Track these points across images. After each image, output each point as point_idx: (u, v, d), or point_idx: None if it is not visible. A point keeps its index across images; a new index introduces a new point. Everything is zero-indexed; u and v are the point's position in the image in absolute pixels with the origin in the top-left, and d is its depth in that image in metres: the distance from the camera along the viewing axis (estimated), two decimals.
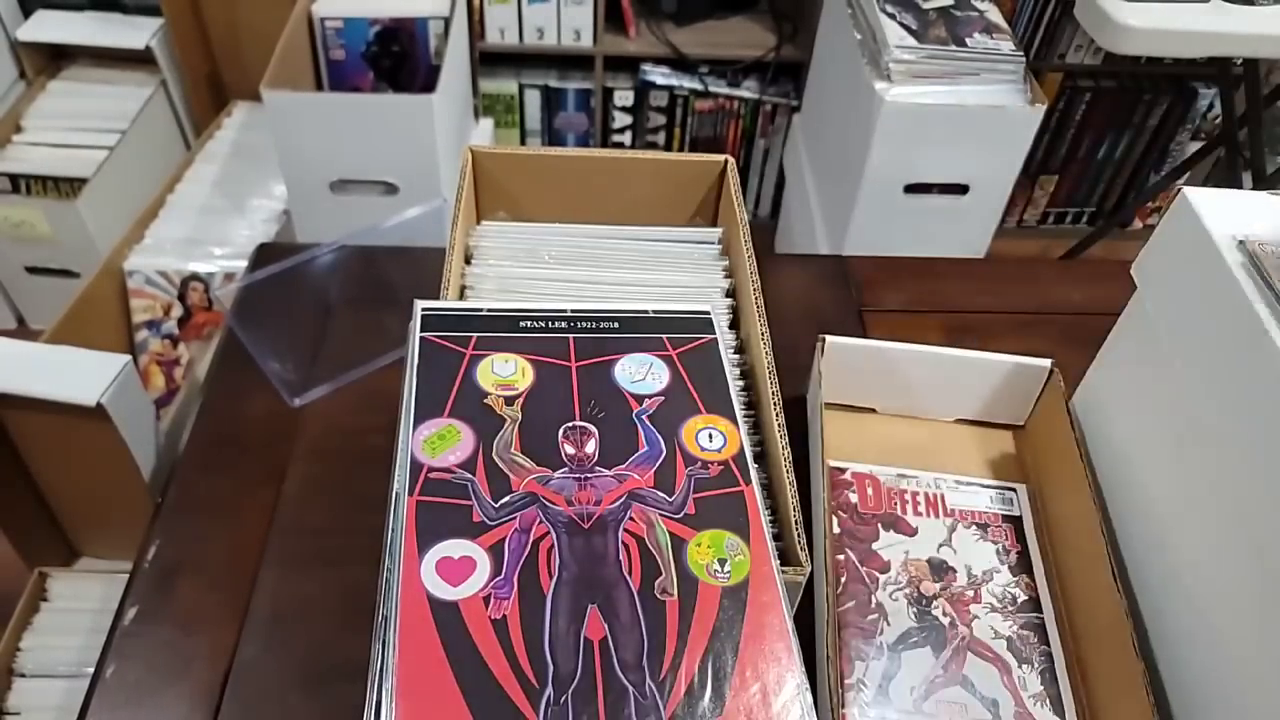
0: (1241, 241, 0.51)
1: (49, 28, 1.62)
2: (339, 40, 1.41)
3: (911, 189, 1.31)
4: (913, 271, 0.89)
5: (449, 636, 0.40)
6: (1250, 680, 0.49)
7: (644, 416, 0.50)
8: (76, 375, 0.91)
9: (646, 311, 0.55)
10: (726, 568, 0.44)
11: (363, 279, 0.85)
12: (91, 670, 0.60)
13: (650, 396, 0.51)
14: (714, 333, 0.55)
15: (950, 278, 0.89)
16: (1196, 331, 0.53)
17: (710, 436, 0.49)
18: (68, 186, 1.49)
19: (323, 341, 0.80)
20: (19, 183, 1.49)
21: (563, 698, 0.38)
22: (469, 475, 0.46)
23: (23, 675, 0.98)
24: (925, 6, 1.28)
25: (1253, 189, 1.36)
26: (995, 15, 1.28)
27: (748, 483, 0.47)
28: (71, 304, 1.29)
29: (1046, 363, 0.68)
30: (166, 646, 0.61)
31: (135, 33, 1.60)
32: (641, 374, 0.52)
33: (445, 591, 0.41)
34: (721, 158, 0.70)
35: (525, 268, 0.66)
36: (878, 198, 1.31)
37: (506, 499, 0.45)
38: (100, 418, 0.90)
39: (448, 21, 1.39)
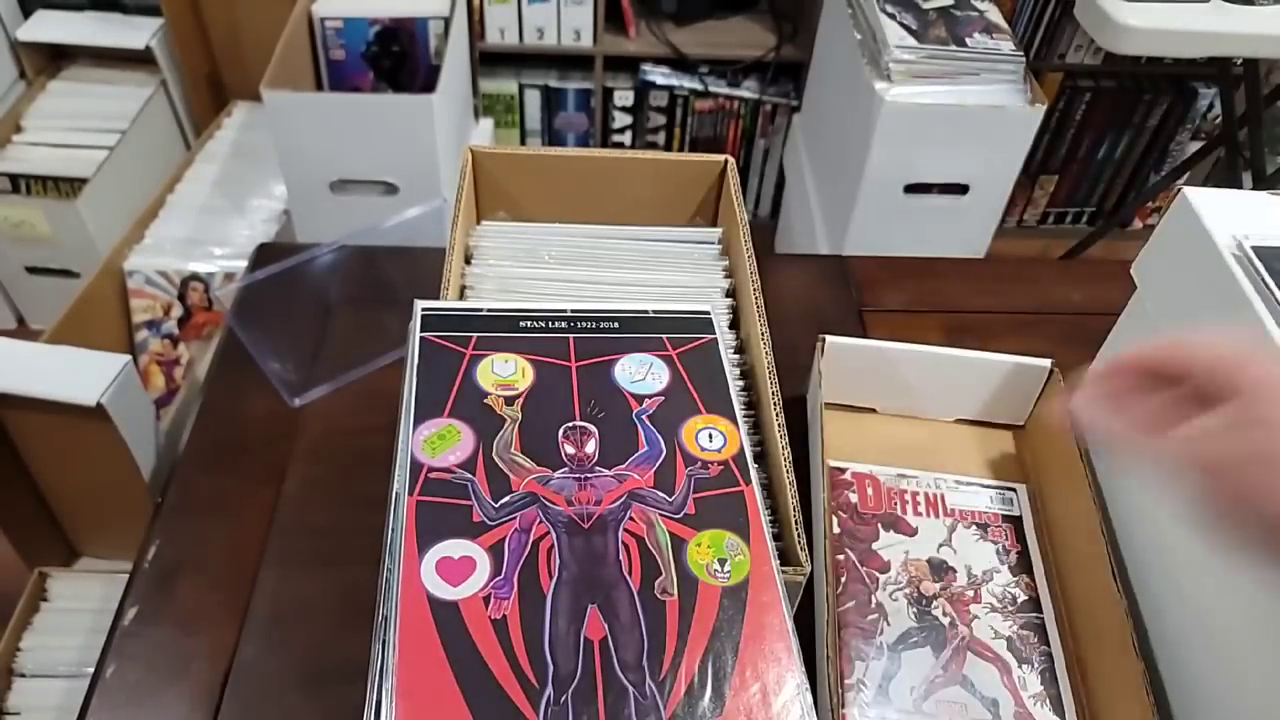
0: (1241, 241, 0.51)
1: (49, 28, 1.62)
2: (339, 40, 1.41)
3: (911, 189, 1.31)
4: (913, 271, 0.89)
5: (449, 636, 0.40)
6: (1250, 680, 0.49)
7: (644, 416, 0.50)
8: (76, 375, 0.91)
9: (646, 311, 0.55)
10: (726, 568, 0.44)
11: (363, 279, 0.85)
12: (91, 670, 0.60)
13: (650, 396, 0.51)
14: (714, 333, 0.55)
15: (950, 278, 0.89)
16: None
17: (710, 436, 0.49)
18: (68, 186, 1.49)
19: (323, 341, 0.80)
20: (19, 183, 1.49)
21: (563, 698, 0.38)
22: (469, 475, 0.46)
23: (23, 675, 0.98)
24: (925, 6, 1.28)
25: (1253, 189, 1.36)
26: (995, 15, 1.28)
27: (748, 483, 0.47)
28: (71, 304, 1.29)
29: (1046, 363, 0.68)
30: (166, 646, 0.61)
31: (135, 33, 1.60)
32: (641, 374, 0.52)
33: (445, 591, 0.41)
34: (721, 158, 0.70)
35: (525, 268, 0.66)
36: (878, 198, 1.31)
37: (506, 499, 0.45)
38: (100, 418, 0.90)
39: (448, 21, 1.39)
